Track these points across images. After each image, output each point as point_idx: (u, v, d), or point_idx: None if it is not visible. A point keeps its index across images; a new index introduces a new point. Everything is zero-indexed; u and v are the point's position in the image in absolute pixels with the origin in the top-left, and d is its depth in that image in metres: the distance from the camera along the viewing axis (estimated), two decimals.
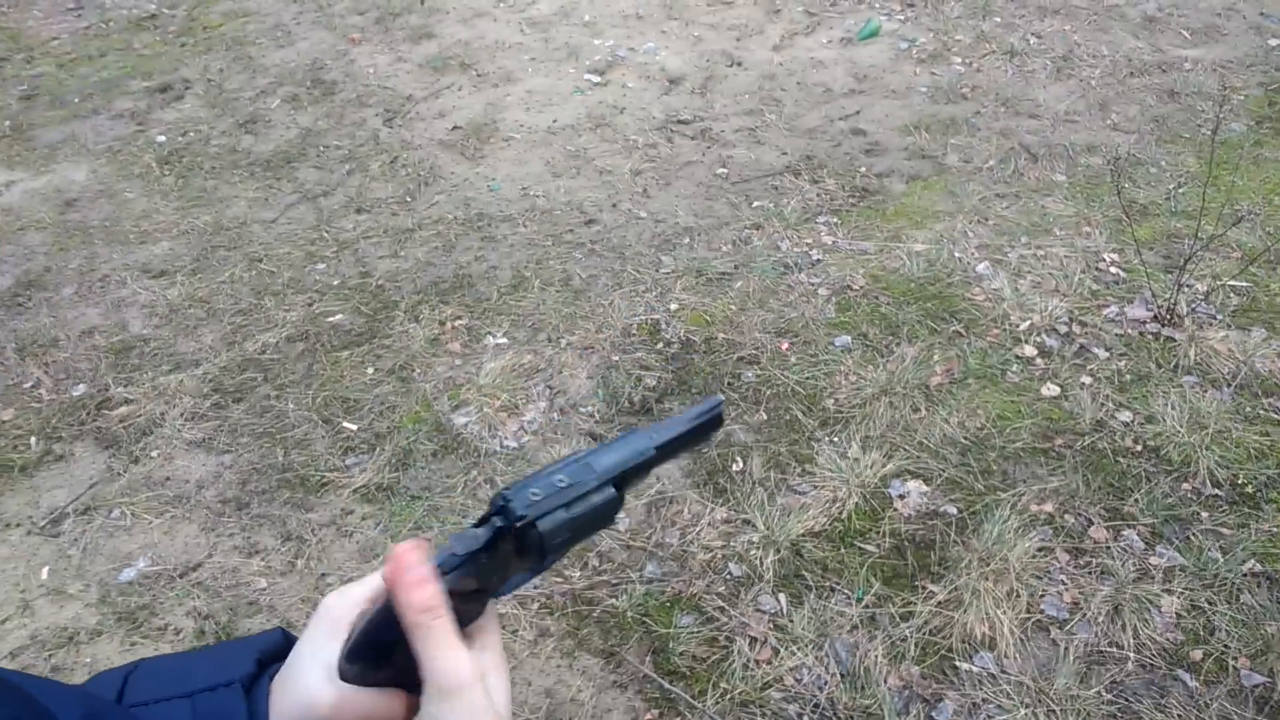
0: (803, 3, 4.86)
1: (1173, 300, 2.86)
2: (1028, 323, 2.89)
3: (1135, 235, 3.08)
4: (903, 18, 4.67)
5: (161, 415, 2.73)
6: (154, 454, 2.62)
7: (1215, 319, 2.91)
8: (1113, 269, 3.11)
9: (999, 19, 4.57)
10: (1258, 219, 3.30)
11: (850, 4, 4.82)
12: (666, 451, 0.63)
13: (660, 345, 2.92)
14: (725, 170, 3.77)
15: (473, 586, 0.58)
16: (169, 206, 3.72)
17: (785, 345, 2.90)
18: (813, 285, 3.14)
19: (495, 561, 0.58)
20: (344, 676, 0.59)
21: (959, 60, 4.31)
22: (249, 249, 3.45)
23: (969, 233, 3.30)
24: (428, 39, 4.82)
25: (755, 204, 3.57)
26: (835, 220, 3.45)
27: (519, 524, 0.56)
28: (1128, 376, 2.70)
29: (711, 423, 0.66)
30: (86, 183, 3.88)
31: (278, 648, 0.63)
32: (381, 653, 0.58)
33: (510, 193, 3.69)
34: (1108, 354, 2.78)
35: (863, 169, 3.69)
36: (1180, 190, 3.43)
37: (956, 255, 3.20)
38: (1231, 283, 3.02)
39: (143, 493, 2.50)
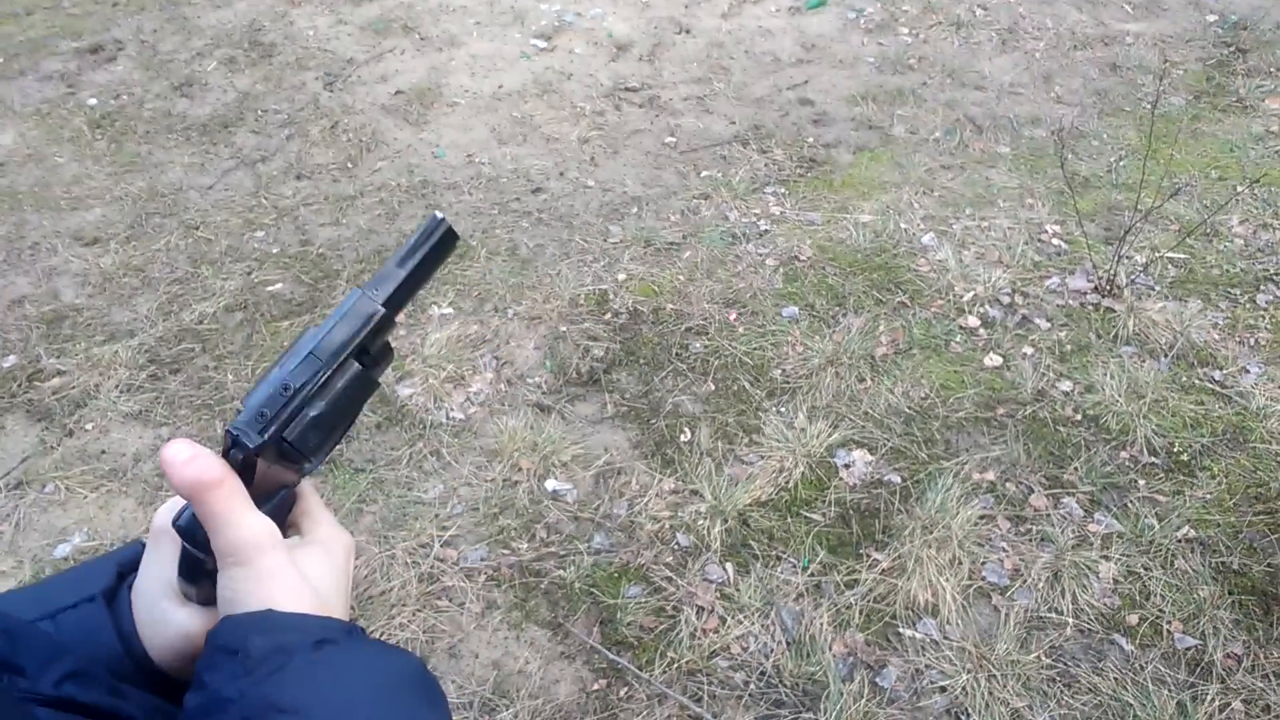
0: None
1: (1112, 271, 2.91)
2: (971, 293, 2.92)
3: (1077, 207, 3.12)
4: None
5: (96, 387, 2.65)
6: (88, 427, 2.54)
7: (1153, 290, 2.97)
8: (1055, 240, 3.15)
9: None
10: (1195, 192, 3.36)
11: None
12: (397, 302, 0.57)
13: (608, 316, 2.90)
14: (673, 139, 3.74)
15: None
16: (101, 172, 3.59)
17: (733, 316, 2.89)
18: (760, 256, 3.14)
19: (264, 477, 0.55)
20: (187, 597, 0.56)
21: (906, 31, 4.32)
22: (185, 216, 3.35)
23: (915, 204, 3.32)
24: (370, 1, 4.70)
25: (703, 173, 3.55)
26: (783, 190, 3.45)
27: (257, 451, 0.53)
28: (1068, 347, 2.74)
29: (439, 246, 0.58)
30: (14, 147, 3.73)
31: (136, 558, 0.59)
32: (195, 564, 0.54)
33: (455, 159, 3.63)
34: (1049, 324, 2.83)
35: (810, 139, 3.69)
36: (1121, 163, 3.49)
37: (902, 226, 3.22)
38: (1169, 255, 3.08)
39: (77, 466, 2.43)
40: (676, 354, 2.76)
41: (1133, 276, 2.96)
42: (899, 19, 4.39)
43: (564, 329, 2.82)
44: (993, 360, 2.70)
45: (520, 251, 3.17)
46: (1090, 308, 2.88)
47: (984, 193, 3.37)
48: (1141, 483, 2.35)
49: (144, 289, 3.02)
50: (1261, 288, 2.99)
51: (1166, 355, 2.71)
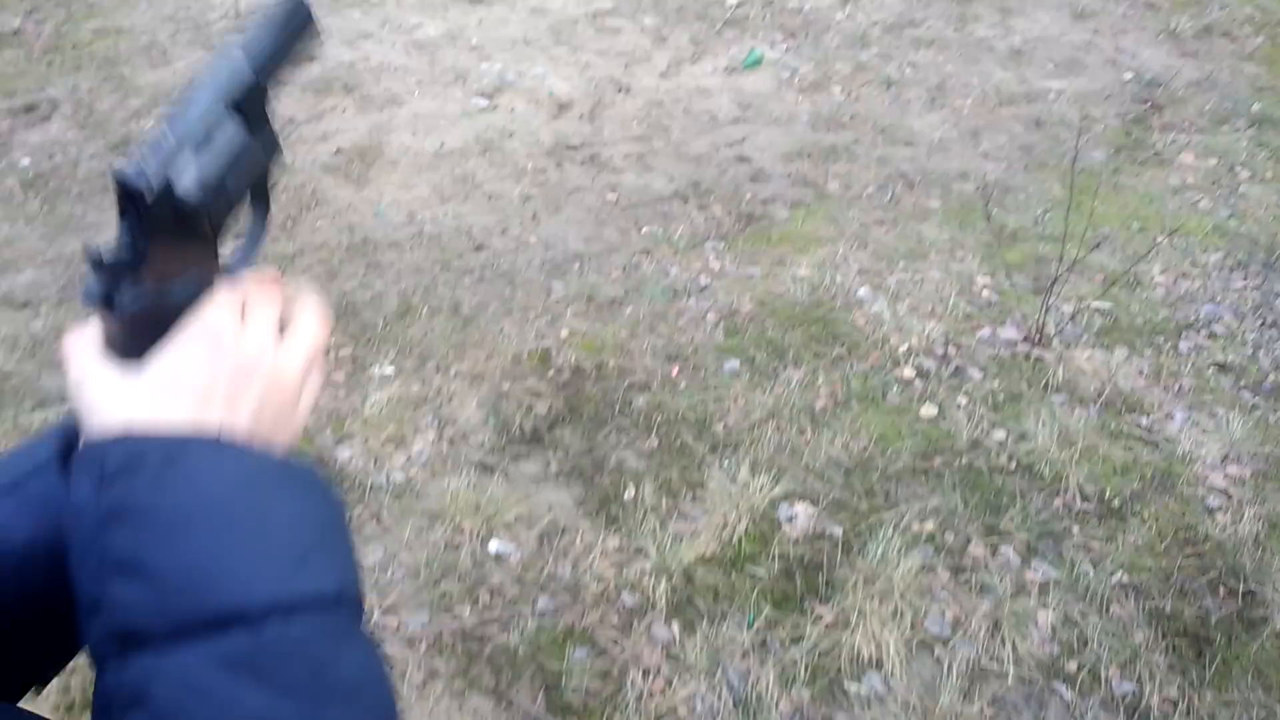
0: (689, 31, 4.94)
1: (1041, 321, 3.00)
2: (906, 345, 2.98)
3: (1005, 259, 3.22)
4: (785, 48, 4.79)
5: None
6: None
7: (1081, 339, 3.06)
8: (985, 292, 3.24)
9: (876, 50, 4.73)
10: (1117, 243, 3.49)
11: (734, 34, 4.92)
12: (266, 69, 0.55)
13: (551, 373, 2.91)
14: (615, 196, 3.79)
15: (151, 291, 0.51)
16: (33, 234, 3.53)
17: (675, 370, 2.92)
18: (701, 310, 3.18)
19: (167, 254, 0.51)
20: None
21: (838, 90, 4.44)
22: None
23: (850, 258, 3.40)
24: (310, 60, 4.72)
25: (645, 229, 3.60)
26: (723, 245, 3.51)
27: (152, 193, 0.49)
28: (1001, 396, 2.81)
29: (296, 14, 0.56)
30: None
31: (77, 426, 0.56)
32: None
33: (396, 217, 3.63)
34: (982, 374, 2.90)
35: (748, 195, 3.77)
36: (1047, 215, 3.61)
37: (839, 280, 3.28)
38: (1095, 304, 3.18)
39: None
40: (620, 410, 2.78)
41: (1061, 326, 3.06)
42: (831, 78, 4.52)
43: (507, 387, 2.83)
44: (929, 411, 2.76)
45: (462, 309, 3.17)
46: (1021, 357, 2.96)
47: (916, 246, 3.46)
48: (1076, 529, 2.40)
49: None
50: (1183, 335, 3.10)
51: (1095, 403, 2.79)
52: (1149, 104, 4.40)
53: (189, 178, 0.51)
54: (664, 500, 2.47)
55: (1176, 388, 2.88)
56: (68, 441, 0.57)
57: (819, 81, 4.49)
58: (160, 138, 0.51)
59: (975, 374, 2.90)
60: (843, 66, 4.60)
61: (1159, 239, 3.47)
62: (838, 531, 2.38)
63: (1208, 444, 2.66)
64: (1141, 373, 2.92)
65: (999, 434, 2.68)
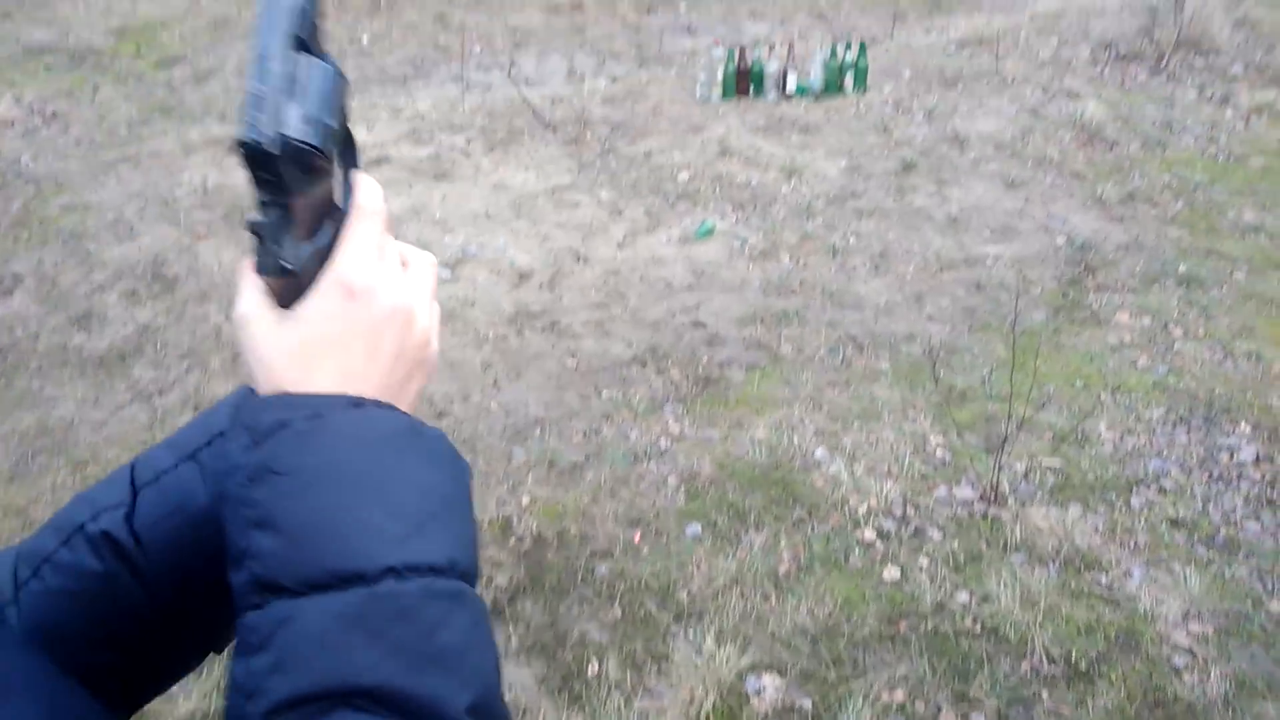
0: (643, 204, 5.15)
1: (995, 480, 3.05)
2: (865, 506, 3.01)
3: (956, 419, 3.31)
4: (735, 219, 5.01)
5: None
6: None
7: (1036, 497, 3.11)
8: (939, 451, 3.30)
9: (820, 220, 4.96)
10: (1063, 401, 3.60)
11: (687, 206, 5.14)
12: None
13: (512, 541, 2.88)
14: (574, 361, 3.86)
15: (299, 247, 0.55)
16: None
17: (638, 536, 2.91)
18: (662, 474, 3.20)
19: (304, 204, 0.54)
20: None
21: (787, 258, 4.63)
22: (75, 452, 3.26)
23: (806, 419, 3.46)
24: None
25: (604, 394, 3.66)
26: (681, 409, 3.56)
27: (276, 148, 0.52)
28: (961, 556, 2.83)
29: None
30: None
31: (250, 394, 0.61)
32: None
33: None
34: (941, 535, 2.92)
35: (705, 359, 3.86)
36: (993, 375, 3.72)
37: (795, 441, 3.34)
38: (1046, 462, 3.25)
39: None
40: (582, 579, 2.75)
41: (1015, 484, 3.11)
42: (780, 247, 4.72)
43: None
44: (891, 573, 2.76)
45: None
46: (979, 516, 3.00)
47: (869, 407, 3.54)
48: (1045, 694, 2.39)
49: (25, 532, 2.88)
50: (1134, 491, 3.17)
51: (1054, 561, 2.82)
52: (1082, 266, 4.63)
53: (297, 122, 0.53)
54: (628, 675, 2.42)
55: (1132, 544, 2.92)
56: (240, 408, 0.61)
57: (768, 250, 4.69)
58: (258, 96, 0.52)
59: (935, 534, 2.93)
60: (790, 236, 4.81)
61: (1102, 396, 3.59)
62: (807, 704, 2.34)
63: (1168, 601, 2.68)
64: (1097, 529, 2.97)
65: (962, 596, 2.69)
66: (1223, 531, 2.99)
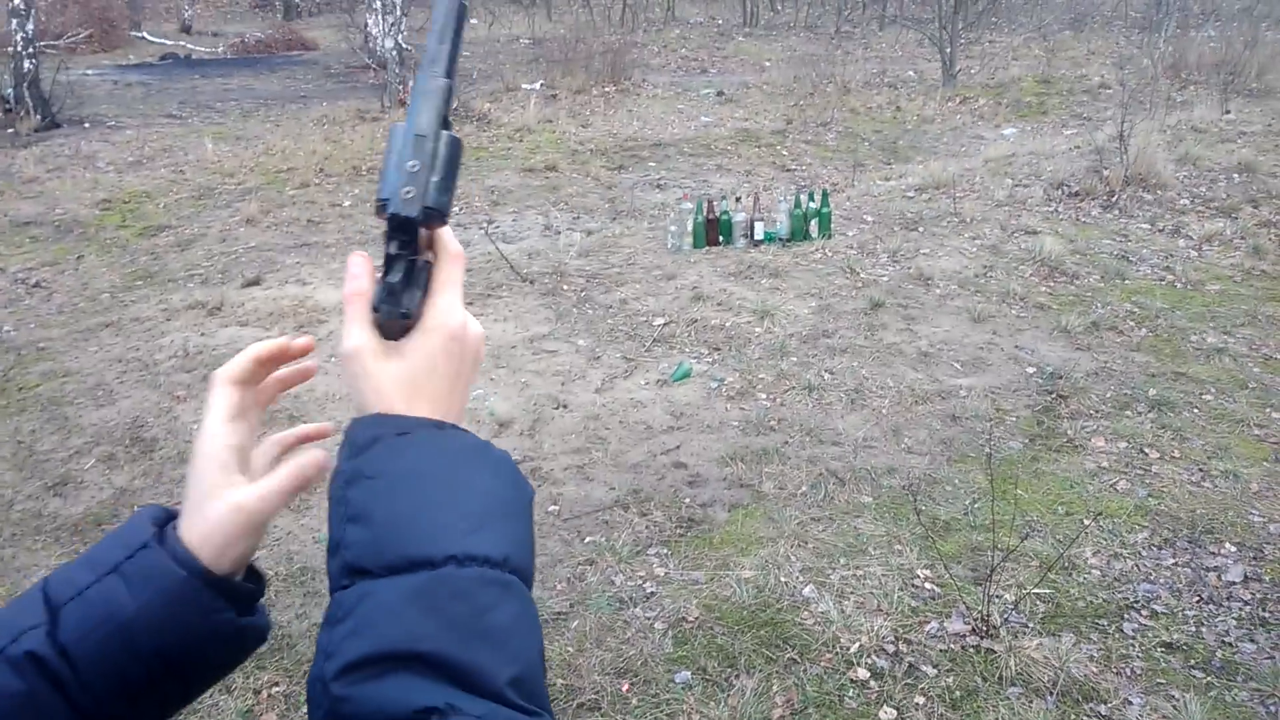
0: (620, 350, 5.24)
1: (986, 612, 3.01)
2: (857, 644, 2.96)
3: (942, 551, 3.29)
4: (710, 360, 5.10)
5: None
6: None
7: (1028, 627, 3.07)
8: (927, 585, 3.27)
9: (795, 359, 5.05)
10: (1046, 529, 3.59)
11: (663, 350, 5.23)
12: (451, 71, 0.70)
13: None
14: (556, 508, 3.84)
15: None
16: None
17: (626, 687, 2.84)
18: (649, 619, 3.14)
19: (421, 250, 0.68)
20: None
21: (764, 396, 4.69)
22: None
23: (791, 556, 3.43)
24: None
25: (588, 539, 3.62)
26: (666, 551, 3.53)
27: (423, 220, 0.66)
28: (957, 693, 2.76)
29: (460, 14, 0.71)
30: None
31: (163, 513, 0.69)
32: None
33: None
34: (935, 671, 2.86)
35: (687, 500, 3.85)
36: (975, 505, 3.73)
37: (782, 580, 3.30)
38: (1035, 591, 3.22)
39: None
40: None
41: (1005, 615, 3.07)
42: (756, 386, 4.78)
43: None
44: (887, 714, 2.69)
45: None
46: (971, 650, 2.94)
47: (855, 542, 3.52)
48: None
49: None
50: (1125, 616, 3.13)
51: (1051, 693, 2.76)
52: (1054, 395, 4.71)
53: (435, 193, 0.66)
54: None
55: (1129, 671, 2.87)
56: (160, 522, 0.69)
57: (745, 389, 4.75)
58: (412, 172, 0.66)
59: (929, 670, 2.86)
60: (766, 375, 4.88)
61: (1086, 522, 3.59)
62: None
63: None
64: (1092, 658, 2.92)
65: None
66: (1219, 654, 2.94)
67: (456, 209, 6.39)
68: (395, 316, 0.66)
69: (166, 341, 5.56)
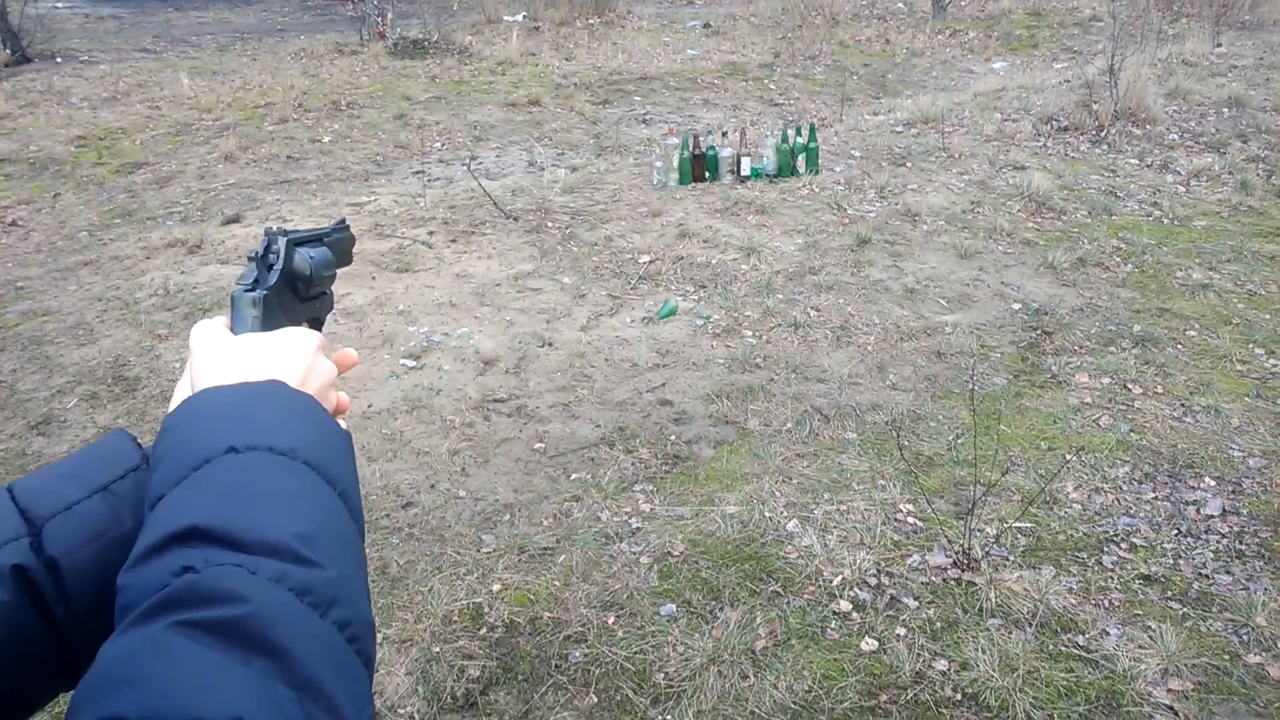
0: (606, 288, 5.21)
1: (967, 545, 3.05)
2: (839, 577, 2.99)
3: (925, 486, 3.31)
4: (696, 298, 5.07)
5: None
6: None
7: (1008, 560, 3.10)
8: (910, 519, 3.30)
9: (781, 296, 5.04)
10: (1029, 464, 3.62)
11: (649, 287, 5.20)
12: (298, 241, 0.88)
13: (484, 630, 2.83)
14: (542, 445, 3.84)
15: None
16: None
17: (611, 619, 2.87)
18: (634, 554, 3.16)
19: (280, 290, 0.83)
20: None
21: (750, 334, 4.68)
22: None
23: (776, 492, 3.46)
24: None
25: (573, 476, 3.63)
26: (651, 488, 3.54)
27: (280, 247, 0.85)
28: (938, 624, 2.81)
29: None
30: None
31: (135, 439, 0.74)
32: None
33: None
34: (917, 603, 2.90)
35: (673, 437, 3.85)
36: (959, 441, 3.75)
37: (767, 515, 3.32)
38: (1017, 525, 3.26)
39: None
40: (556, 665, 2.69)
41: (987, 549, 3.11)
42: (742, 324, 4.77)
43: (437, 650, 2.73)
44: (869, 644, 2.73)
45: (390, 570, 3.10)
46: (953, 582, 2.98)
47: (839, 477, 3.55)
48: None
49: None
50: (1105, 549, 3.17)
51: (1031, 625, 2.80)
52: (1039, 331, 4.71)
53: (303, 254, 0.86)
54: None
55: (1107, 603, 2.92)
56: (141, 446, 0.74)
57: (731, 327, 4.73)
58: (292, 232, 0.87)
59: (910, 603, 2.90)
60: (752, 312, 4.86)
61: (1068, 457, 3.62)
62: None
63: (1146, 659, 2.66)
64: (1071, 590, 2.96)
65: (941, 664, 2.66)
66: (1195, 586, 2.99)
67: (438, 144, 6.34)
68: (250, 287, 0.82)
69: (147, 280, 5.50)
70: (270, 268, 0.82)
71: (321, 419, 0.69)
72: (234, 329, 0.78)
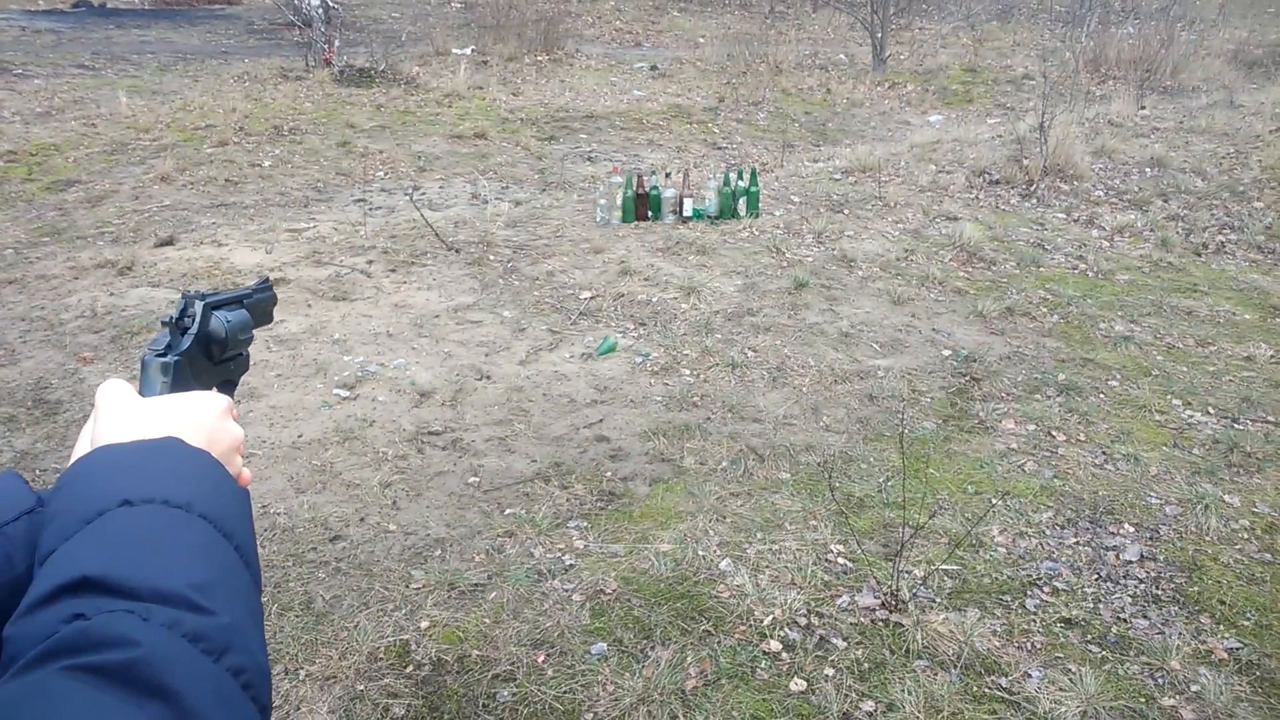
0: (546, 322, 5.21)
1: (895, 586, 3.09)
2: (770, 617, 3.01)
3: (855, 527, 3.35)
4: (636, 335, 5.10)
5: None
6: None
7: (935, 602, 3.15)
8: (840, 559, 3.34)
9: (719, 335, 5.09)
10: (955, 507, 3.69)
11: (589, 323, 5.22)
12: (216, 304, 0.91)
13: (410, 668, 2.78)
14: (477, 479, 3.81)
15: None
16: None
17: (541, 657, 2.84)
18: (566, 591, 3.14)
19: (193, 354, 0.84)
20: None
21: (688, 372, 4.72)
22: None
23: (710, 530, 3.47)
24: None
25: (507, 511, 3.61)
26: (585, 524, 3.53)
27: (196, 309, 0.85)
28: (865, 665, 2.83)
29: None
30: None
31: (21, 480, 0.75)
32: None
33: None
34: (845, 643, 2.93)
35: (608, 473, 3.85)
36: (889, 483, 3.81)
37: (700, 553, 3.33)
38: (943, 567, 3.31)
39: None
40: (484, 705, 2.65)
41: (914, 590, 3.15)
42: (680, 362, 4.81)
43: (361, 688, 2.67)
44: (797, 685, 2.74)
45: (315, 605, 3.04)
46: (880, 623, 3.01)
47: (771, 517, 3.58)
48: None
49: None
50: (1029, 593, 3.24)
51: (955, 666, 2.84)
52: (968, 377, 4.83)
53: (220, 317, 0.87)
54: None
55: (1029, 645, 2.97)
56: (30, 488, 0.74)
57: (669, 365, 4.77)
58: (207, 294, 0.87)
59: (839, 643, 2.93)
60: (690, 351, 4.90)
61: (994, 501, 3.70)
62: None
63: (1066, 702, 2.71)
64: (995, 633, 3.01)
65: (868, 705, 2.68)
66: (1114, 630, 3.07)
67: (381, 173, 6.31)
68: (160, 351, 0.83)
69: (74, 301, 5.35)
70: (184, 332, 0.82)
71: (218, 474, 0.70)
72: (142, 393, 0.78)
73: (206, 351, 0.84)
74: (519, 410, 4.34)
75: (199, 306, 0.83)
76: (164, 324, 0.83)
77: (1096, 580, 3.32)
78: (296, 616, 2.96)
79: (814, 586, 3.17)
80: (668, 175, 6.99)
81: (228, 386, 0.90)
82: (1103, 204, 7.66)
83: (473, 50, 14.48)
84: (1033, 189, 7.76)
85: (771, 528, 3.51)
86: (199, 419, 0.75)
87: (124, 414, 0.73)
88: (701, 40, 17.06)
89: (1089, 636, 3.03)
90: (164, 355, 0.80)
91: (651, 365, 4.76)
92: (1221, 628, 3.08)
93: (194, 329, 0.82)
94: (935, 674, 2.80)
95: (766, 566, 3.27)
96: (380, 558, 3.30)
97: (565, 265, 5.94)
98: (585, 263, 5.97)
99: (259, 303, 0.94)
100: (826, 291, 5.73)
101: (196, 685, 0.52)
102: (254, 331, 0.92)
